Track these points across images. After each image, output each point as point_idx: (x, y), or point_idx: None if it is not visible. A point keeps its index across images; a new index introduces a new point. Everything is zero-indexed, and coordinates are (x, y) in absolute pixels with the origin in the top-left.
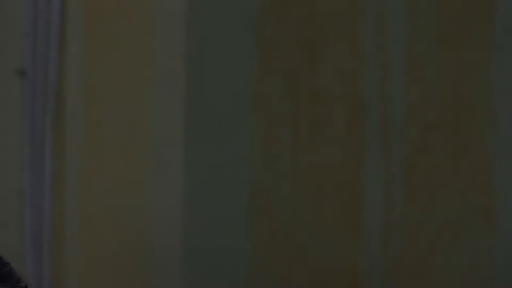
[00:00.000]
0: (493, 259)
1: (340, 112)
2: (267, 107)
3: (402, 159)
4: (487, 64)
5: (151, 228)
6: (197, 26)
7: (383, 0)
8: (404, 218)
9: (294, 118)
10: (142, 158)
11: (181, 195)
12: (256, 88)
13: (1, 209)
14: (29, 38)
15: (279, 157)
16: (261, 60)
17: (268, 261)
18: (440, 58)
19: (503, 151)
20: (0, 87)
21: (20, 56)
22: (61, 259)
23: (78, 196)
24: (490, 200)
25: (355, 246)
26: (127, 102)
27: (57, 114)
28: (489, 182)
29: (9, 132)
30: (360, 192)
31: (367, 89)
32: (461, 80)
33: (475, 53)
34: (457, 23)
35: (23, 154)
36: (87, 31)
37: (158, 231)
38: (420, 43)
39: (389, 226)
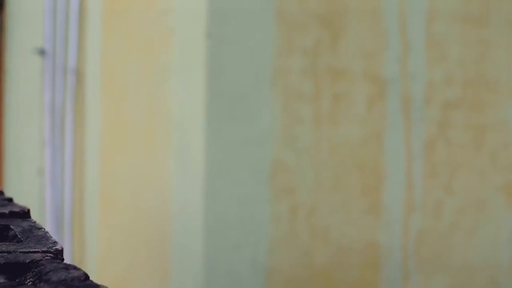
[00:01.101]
0: None
1: (361, 90)
2: (288, 84)
3: (423, 137)
4: (508, 42)
5: (171, 207)
6: (217, 3)
7: None
8: (425, 197)
9: (315, 95)
10: (163, 136)
11: (201, 173)
12: (276, 66)
13: (21, 187)
14: (49, 17)
15: (300, 135)
16: (282, 37)
17: (289, 240)
18: (461, 36)
19: None
20: (20, 66)
21: (40, 35)
22: (81, 238)
23: (98, 174)
24: (511, 178)
25: (376, 225)
26: (147, 81)
27: (77, 92)
28: (511, 159)
29: (29, 110)
30: (381, 170)
31: (388, 67)
32: (482, 58)
33: (496, 31)
34: (478, 0)
35: (43, 132)
36: (107, 10)
37: (178, 209)
38: (441, 21)
39: (410, 204)
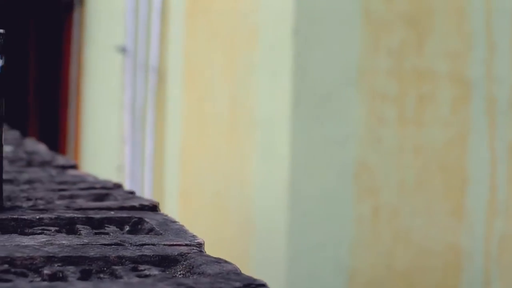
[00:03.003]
0: None
1: (445, 92)
2: (373, 85)
3: (508, 140)
4: None
5: (254, 206)
6: (304, 2)
7: None
8: (508, 200)
9: (399, 96)
10: (246, 135)
11: (286, 172)
12: (362, 66)
13: None
14: (131, 15)
15: (384, 136)
16: (368, 37)
17: (371, 240)
18: None
19: None
20: (99, 64)
21: (120, 33)
22: None
23: (179, 172)
24: None
25: (458, 228)
26: (230, 79)
27: (158, 90)
28: None
29: (108, 107)
30: (464, 172)
31: (473, 69)
32: None
33: None
34: None
35: (122, 129)
36: (189, 8)
37: (261, 208)
38: None
39: (492, 208)
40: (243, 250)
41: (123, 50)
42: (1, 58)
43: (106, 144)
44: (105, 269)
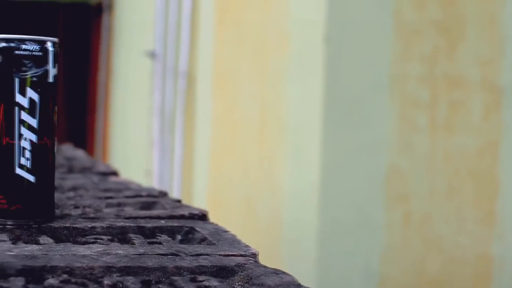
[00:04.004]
0: None
1: (477, 98)
2: (404, 91)
3: None
4: None
5: (284, 212)
6: (336, 8)
7: None
8: None
9: (431, 103)
10: (276, 141)
11: (316, 178)
12: (393, 72)
13: None
14: (160, 20)
15: (415, 142)
16: (399, 43)
17: (401, 247)
18: None
19: None
20: (128, 68)
21: (149, 38)
22: None
23: (208, 177)
24: None
25: (489, 236)
26: (260, 84)
27: (187, 94)
28: None
29: (137, 112)
30: (495, 180)
31: (505, 76)
32: None
33: None
34: None
35: (151, 134)
36: (219, 13)
37: (291, 214)
38: None
39: None
40: (272, 257)
41: (152, 54)
42: (54, 67)
43: (134, 149)
44: (163, 279)
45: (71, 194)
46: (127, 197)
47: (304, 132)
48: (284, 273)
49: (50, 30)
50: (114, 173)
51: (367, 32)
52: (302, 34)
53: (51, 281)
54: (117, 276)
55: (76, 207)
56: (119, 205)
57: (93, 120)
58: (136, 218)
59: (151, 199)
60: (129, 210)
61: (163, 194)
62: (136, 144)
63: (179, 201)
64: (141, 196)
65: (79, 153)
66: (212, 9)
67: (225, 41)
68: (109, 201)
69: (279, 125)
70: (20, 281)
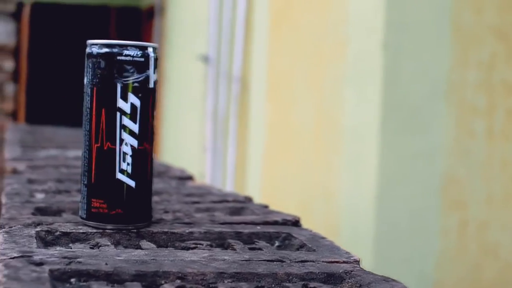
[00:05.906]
0: None
1: None
2: (462, 98)
3: None
4: None
5: (340, 218)
6: (394, 14)
7: None
8: None
9: (488, 110)
10: (332, 146)
11: (373, 184)
12: (451, 79)
13: None
14: (214, 25)
15: (472, 149)
16: (457, 50)
17: (457, 254)
18: None
19: None
20: (180, 72)
21: (201, 42)
22: None
23: (261, 182)
24: None
25: None
26: (316, 89)
27: (241, 99)
28: None
29: (192, 116)
30: None
31: None
32: None
33: None
34: None
35: (204, 138)
36: (274, 17)
37: (347, 220)
38: None
39: None
40: None
41: (205, 59)
42: (155, 73)
43: (187, 152)
44: (274, 286)
45: (156, 198)
46: (214, 202)
47: (361, 138)
48: (394, 280)
49: (101, 33)
50: (190, 178)
51: (425, 38)
52: (360, 40)
53: (167, 286)
54: (229, 282)
55: (166, 211)
56: (207, 210)
57: None
58: (231, 223)
59: (239, 204)
60: (220, 216)
61: (249, 200)
62: (189, 147)
63: (266, 206)
64: (227, 201)
65: None
66: (267, 12)
67: (281, 45)
68: (197, 206)
69: (336, 131)
70: (136, 286)
